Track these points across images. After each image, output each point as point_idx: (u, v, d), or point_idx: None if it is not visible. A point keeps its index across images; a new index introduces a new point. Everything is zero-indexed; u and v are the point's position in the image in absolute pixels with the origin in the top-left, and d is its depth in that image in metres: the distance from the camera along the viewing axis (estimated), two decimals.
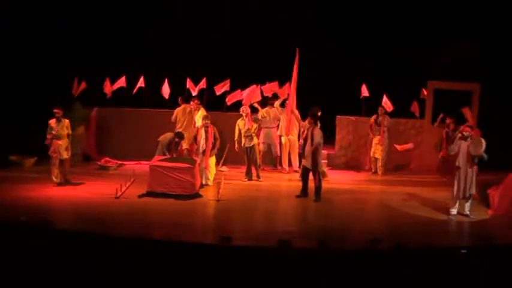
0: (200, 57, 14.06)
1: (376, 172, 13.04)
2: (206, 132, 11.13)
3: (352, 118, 13.92)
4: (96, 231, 7.47)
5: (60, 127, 10.76)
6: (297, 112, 11.75)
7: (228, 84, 13.34)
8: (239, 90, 13.17)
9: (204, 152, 11.13)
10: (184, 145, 12.04)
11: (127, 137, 13.86)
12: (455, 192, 9.38)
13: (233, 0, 14.73)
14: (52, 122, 10.71)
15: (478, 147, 9.11)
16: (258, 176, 12.00)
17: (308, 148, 10.27)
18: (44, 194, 10.14)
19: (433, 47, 13.63)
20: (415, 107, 13.69)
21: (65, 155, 10.84)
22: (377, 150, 12.94)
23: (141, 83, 13.84)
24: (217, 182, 11.31)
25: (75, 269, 6.30)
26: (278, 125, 12.99)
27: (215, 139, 11.26)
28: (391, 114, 13.19)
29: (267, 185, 11.76)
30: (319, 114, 12.01)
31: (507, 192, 9.61)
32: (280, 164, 13.28)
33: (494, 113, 12.92)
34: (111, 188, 10.30)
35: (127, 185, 10.67)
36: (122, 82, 13.90)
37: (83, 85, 13.68)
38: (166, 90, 13.87)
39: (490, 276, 6.27)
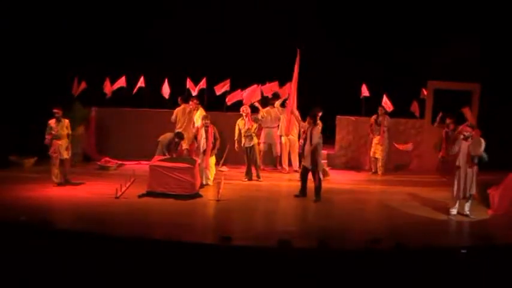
0: (200, 57, 14.06)
1: (376, 172, 13.04)
2: (206, 132, 11.13)
3: (352, 118, 13.92)
4: (96, 231, 7.47)
5: (60, 127, 10.76)
6: (297, 112, 11.76)
7: (228, 84, 13.34)
8: (239, 90, 13.18)
9: (204, 151, 11.13)
10: (184, 145, 12.04)
11: (127, 137, 13.87)
12: (455, 192, 9.39)
13: (233, 0, 14.73)
14: (52, 122, 10.70)
15: (477, 147, 9.12)
16: (258, 176, 12.00)
17: (307, 148, 10.27)
18: (44, 194, 10.13)
19: (433, 47, 13.63)
20: (415, 107, 13.69)
21: (65, 155, 10.84)
22: (377, 150, 12.94)
23: (141, 83, 13.85)
24: (217, 182, 11.31)
25: (75, 269, 6.30)
26: (279, 125, 13.00)
27: (215, 139, 11.26)
28: (391, 114, 13.20)
29: (267, 185, 11.76)
30: (320, 114, 12.05)
31: (507, 192, 9.61)
32: (280, 164, 13.29)
33: (494, 113, 12.92)
34: (111, 188, 10.30)
35: (127, 185, 10.67)
36: (122, 82, 13.91)
37: (83, 85, 13.68)
38: (166, 90, 13.87)
39: (490, 276, 6.27)
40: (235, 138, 11.97)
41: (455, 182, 9.37)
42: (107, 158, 12.98)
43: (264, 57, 13.74)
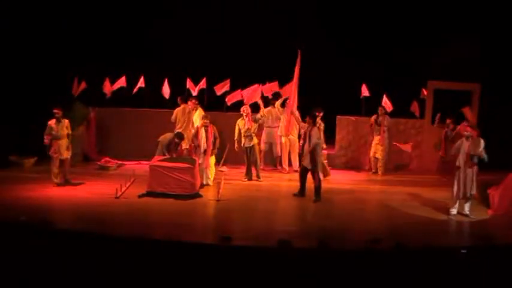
0: (200, 57, 14.06)
1: (376, 172, 13.04)
2: (206, 131, 11.13)
3: (352, 118, 13.92)
4: (96, 231, 7.47)
5: (60, 127, 10.76)
6: (297, 113, 11.75)
7: (228, 85, 13.34)
8: (239, 90, 13.18)
9: (205, 151, 11.13)
10: (184, 145, 12.04)
11: (127, 137, 13.86)
12: (455, 192, 9.39)
13: (233, 0, 14.72)
14: (52, 122, 10.70)
15: (476, 147, 9.14)
16: (258, 176, 11.99)
17: (306, 148, 10.28)
18: (44, 194, 10.13)
19: (433, 47, 13.63)
20: (415, 107, 13.69)
21: (66, 155, 10.83)
22: (377, 150, 12.93)
23: (141, 83, 13.85)
24: (217, 182, 11.30)
25: (75, 269, 6.30)
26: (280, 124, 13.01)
27: (215, 138, 11.26)
28: (391, 114, 13.19)
29: (267, 185, 11.76)
30: (321, 114, 12.08)
31: (507, 192, 9.61)
32: (281, 164, 13.29)
33: (494, 113, 12.93)
34: (111, 188, 10.30)
35: (127, 185, 10.67)
36: (122, 82, 13.90)
37: (83, 85, 13.68)
38: (166, 90, 13.87)
39: (490, 276, 6.27)
40: (235, 138, 11.96)
41: (455, 182, 9.38)
42: (107, 158, 12.98)
43: (264, 57, 13.74)
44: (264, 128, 13.07)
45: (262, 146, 13.04)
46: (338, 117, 13.89)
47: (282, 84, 12.99)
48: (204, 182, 11.12)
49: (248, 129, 11.76)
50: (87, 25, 14.45)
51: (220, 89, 13.36)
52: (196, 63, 13.75)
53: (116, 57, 14.18)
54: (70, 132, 11.01)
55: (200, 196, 10.27)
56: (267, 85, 13.08)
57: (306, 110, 11.28)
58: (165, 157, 10.92)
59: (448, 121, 12.44)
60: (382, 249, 6.94)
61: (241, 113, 11.90)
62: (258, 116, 12.61)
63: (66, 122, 10.91)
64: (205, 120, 11.20)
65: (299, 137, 11.73)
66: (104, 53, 14.36)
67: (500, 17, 13.40)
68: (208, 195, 10.50)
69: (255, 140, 11.92)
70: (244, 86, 13.04)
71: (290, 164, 13.08)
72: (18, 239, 6.77)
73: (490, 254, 6.84)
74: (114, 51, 14.45)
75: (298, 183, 10.67)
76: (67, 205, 9.54)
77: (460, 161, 9.32)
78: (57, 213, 9.06)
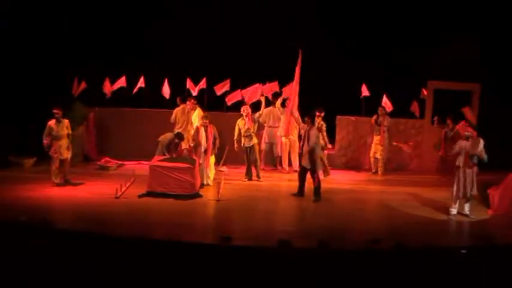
0: (200, 57, 14.05)
1: (376, 172, 13.04)
2: (205, 131, 11.13)
3: (352, 118, 13.92)
4: (96, 231, 7.47)
5: (60, 127, 10.76)
6: (297, 114, 11.70)
7: (228, 85, 13.34)
8: (239, 90, 13.18)
9: (205, 151, 11.13)
10: (184, 145, 12.04)
11: (127, 137, 13.87)
12: (454, 192, 9.40)
13: (233, 0, 14.72)
14: (52, 123, 10.70)
15: (475, 147, 9.15)
16: (258, 176, 12.00)
17: (305, 148, 10.28)
18: (44, 194, 10.13)
19: (433, 47, 13.62)
20: (415, 107, 13.69)
21: (66, 155, 10.83)
22: (377, 150, 12.94)
23: (141, 83, 13.84)
24: (217, 182, 11.30)
25: (75, 269, 6.30)
26: None
27: (215, 138, 11.27)
28: (391, 114, 13.20)
29: (267, 185, 11.76)
30: (322, 114, 12.08)
31: (507, 192, 9.61)
32: (281, 164, 13.30)
33: (494, 113, 12.94)
34: (111, 188, 10.30)
35: (127, 185, 10.67)
36: (122, 82, 13.90)
37: (83, 85, 13.68)
38: (166, 90, 13.87)
39: (490, 276, 6.27)
40: (235, 138, 11.96)
41: (455, 182, 9.39)
42: (107, 158, 12.99)
43: (264, 57, 13.73)
44: (265, 128, 13.08)
45: (263, 145, 13.04)
46: (338, 117, 13.89)
47: (282, 84, 12.98)
48: (204, 182, 11.12)
49: (248, 129, 11.76)
50: (87, 25, 14.44)
51: (220, 89, 13.36)
52: (196, 63, 13.74)
53: (116, 57, 14.17)
54: (70, 132, 11.01)
55: (200, 196, 10.27)
56: (267, 85, 13.08)
57: (306, 110, 11.28)
58: (165, 157, 10.92)
59: (448, 121, 12.45)
60: (382, 249, 6.94)
61: (241, 113, 11.90)
62: (257, 115, 12.62)
63: (66, 122, 10.90)
64: (204, 120, 11.20)
65: (299, 137, 11.73)
66: (104, 53, 14.35)
67: (500, 17, 13.40)
68: (208, 195, 10.50)
69: (255, 140, 11.92)
70: (244, 86, 13.06)
71: (290, 164, 13.08)
72: (18, 239, 6.76)
73: (490, 254, 6.84)
74: (114, 51, 14.43)
75: (298, 183, 10.66)
76: (67, 205, 9.54)
77: (460, 161, 9.32)
78: (57, 213, 9.06)
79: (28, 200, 9.51)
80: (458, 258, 6.78)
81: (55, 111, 10.67)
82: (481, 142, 9.18)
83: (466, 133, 9.43)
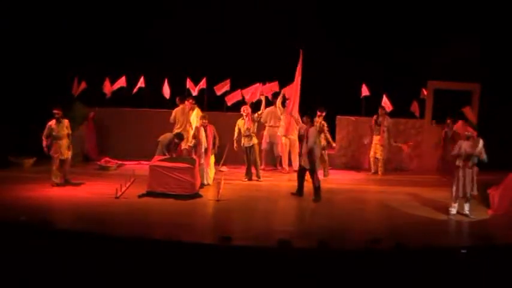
0: (200, 57, 14.05)
1: (376, 172, 13.04)
2: (205, 131, 11.14)
3: (352, 118, 13.92)
4: (96, 231, 7.47)
5: (60, 127, 10.76)
6: (296, 115, 11.70)
7: (228, 85, 13.34)
8: (239, 90, 13.17)
9: (205, 151, 11.14)
10: (183, 145, 12.04)
11: (127, 137, 13.87)
12: (454, 192, 9.40)
13: (233, 0, 14.72)
14: (52, 123, 10.70)
15: (474, 147, 9.15)
16: (258, 176, 12.00)
17: (304, 148, 10.28)
18: (44, 194, 10.14)
19: (433, 47, 13.62)
20: (415, 107, 13.69)
21: (66, 155, 10.83)
22: (377, 151, 12.94)
23: (141, 83, 13.84)
24: (217, 182, 11.31)
25: (75, 269, 6.30)
26: None
27: (214, 137, 11.28)
28: (391, 114, 13.20)
29: (267, 185, 11.76)
30: (324, 114, 12.08)
31: (507, 192, 9.61)
32: (281, 164, 13.30)
33: (494, 113, 12.93)
34: (111, 188, 10.30)
35: (127, 185, 10.67)
36: (122, 82, 13.90)
37: (83, 85, 13.68)
38: (167, 90, 13.87)
39: (490, 276, 6.27)
40: (235, 137, 11.95)
41: (455, 182, 9.38)
42: (107, 158, 12.98)
43: (264, 57, 13.73)
44: (267, 128, 13.09)
45: (264, 145, 13.05)
46: (338, 117, 13.89)
47: (282, 84, 12.98)
48: (205, 182, 11.12)
49: (248, 129, 11.76)
50: (87, 25, 14.44)
51: (220, 89, 13.36)
52: (196, 63, 13.74)
53: (116, 57, 14.17)
54: (70, 132, 11.01)
55: (200, 196, 10.27)
56: (267, 85, 13.08)
57: (306, 110, 11.28)
58: (165, 157, 10.92)
59: (448, 121, 12.46)
60: (382, 249, 6.94)
61: (242, 113, 11.90)
62: (256, 115, 12.62)
63: (66, 122, 10.91)
64: (203, 120, 11.20)
65: (299, 137, 11.72)
66: (104, 53, 14.35)
67: (500, 17, 13.40)
68: (208, 195, 10.50)
69: (255, 140, 11.91)
70: (244, 86, 13.05)
71: (290, 164, 13.08)
72: (18, 239, 6.76)
73: (490, 254, 6.84)
74: (114, 51, 14.43)
75: (297, 183, 10.64)
76: (67, 205, 9.54)
77: (460, 161, 9.32)
78: (57, 213, 9.06)
79: (28, 200, 9.51)
80: (458, 258, 6.78)
81: (55, 111, 10.67)
82: (481, 142, 9.19)
83: (467, 133, 9.43)
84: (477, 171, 9.36)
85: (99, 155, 13.45)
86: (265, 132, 13.09)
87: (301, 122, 10.78)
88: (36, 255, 6.45)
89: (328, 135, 12.34)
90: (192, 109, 12.39)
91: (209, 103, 13.46)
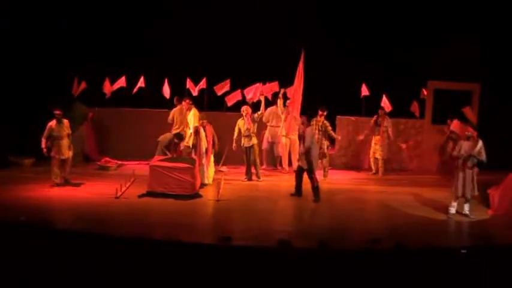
0: (200, 57, 14.05)
1: (376, 172, 13.04)
2: (204, 131, 11.14)
3: (352, 118, 13.92)
4: (96, 231, 7.47)
5: (60, 128, 10.76)
6: (297, 115, 11.70)
7: (228, 85, 13.33)
8: (239, 90, 13.17)
9: (206, 150, 11.14)
10: (182, 145, 12.03)
11: (127, 137, 13.87)
12: (453, 192, 9.40)
13: (233, 0, 14.72)
14: (52, 123, 10.70)
15: (473, 147, 9.16)
16: (258, 176, 12.00)
17: (301, 148, 10.28)
18: (44, 194, 10.14)
19: (433, 47, 13.62)
20: (415, 107, 13.69)
21: (67, 155, 10.83)
22: (377, 151, 12.94)
23: (141, 83, 13.84)
24: (217, 182, 11.31)
25: (75, 269, 6.30)
26: None
27: (214, 137, 11.28)
28: (391, 114, 13.19)
29: (267, 185, 11.76)
30: (325, 113, 12.08)
31: (507, 192, 9.61)
32: (281, 164, 13.30)
33: (494, 113, 12.93)
34: (111, 188, 10.30)
35: (127, 185, 10.67)
36: (121, 82, 13.90)
37: (83, 85, 13.68)
38: (166, 90, 13.87)
39: (490, 276, 6.27)
40: (235, 137, 11.94)
41: (455, 182, 9.38)
42: (107, 158, 12.98)
43: (264, 57, 13.74)
44: (268, 127, 13.08)
45: (265, 144, 13.04)
46: (338, 117, 13.88)
47: (282, 84, 12.98)
48: (206, 182, 11.12)
49: (248, 129, 11.76)
50: (87, 25, 14.44)
51: (221, 89, 13.36)
52: (196, 63, 13.74)
53: (116, 57, 14.18)
54: (70, 132, 11.01)
55: (200, 196, 10.27)
56: (267, 85, 13.07)
57: (305, 110, 11.28)
58: (165, 157, 10.92)
59: (448, 121, 12.45)
60: (382, 249, 6.94)
61: (242, 112, 11.89)
62: (256, 115, 12.61)
63: (66, 122, 10.91)
64: (202, 120, 11.20)
65: (299, 137, 11.73)
66: (104, 53, 14.36)
67: (500, 17, 13.39)
68: (208, 195, 10.50)
69: (255, 140, 11.91)
70: (244, 86, 13.05)
71: (290, 164, 13.08)
72: (18, 239, 6.76)
73: (490, 254, 6.84)
74: (114, 51, 14.44)
75: (294, 183, 10.64)
76: (67, 205, 9.54)
77: (460, 161, 9.32)
78: (57, 213, 9.06)
79: (28, 200, 9.51)
80: (458, 258, 6.78)
81: (57, 112, 10.68)
82: (480, 143, 9.18)
83: (467, 133, 9.42)
84: (477, 171, 9.36)
85: (99, 155, 13.45)
86: (267, 132, 13.10)
87: (300, 122, 10.78)
88: (36, 255, 6.45)
89: (332, 133, 12.34)
90: (189, 109, 12.37)
91: (209, 103, 13.46)
